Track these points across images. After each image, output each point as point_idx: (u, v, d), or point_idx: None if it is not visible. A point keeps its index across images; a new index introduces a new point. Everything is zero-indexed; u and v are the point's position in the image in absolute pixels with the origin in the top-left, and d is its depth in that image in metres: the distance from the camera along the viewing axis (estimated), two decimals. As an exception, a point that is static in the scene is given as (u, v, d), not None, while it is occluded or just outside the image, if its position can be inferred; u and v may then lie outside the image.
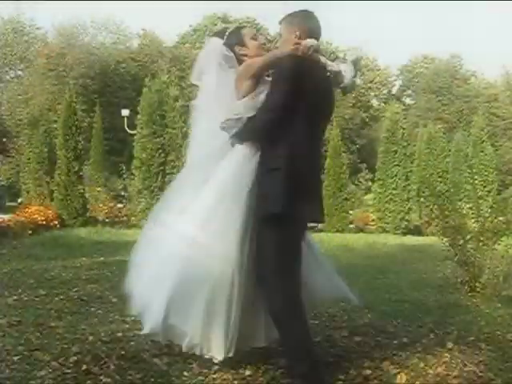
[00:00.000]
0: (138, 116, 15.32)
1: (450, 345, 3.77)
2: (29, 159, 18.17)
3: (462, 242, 5.97)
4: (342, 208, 16.92)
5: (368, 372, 3.22)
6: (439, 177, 18.63)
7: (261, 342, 3.22)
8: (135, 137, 15.50)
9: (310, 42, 2.98)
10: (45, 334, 3.90)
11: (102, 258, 8.08)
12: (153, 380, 3.07)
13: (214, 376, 3.12)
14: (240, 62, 3.22)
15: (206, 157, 3.20)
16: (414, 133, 27.46)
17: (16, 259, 7.81)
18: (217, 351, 3.00)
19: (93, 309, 4.77)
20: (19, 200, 20.61)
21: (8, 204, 22.92)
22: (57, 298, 5.13)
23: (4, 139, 29.58)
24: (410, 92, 51.06)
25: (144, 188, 14.55)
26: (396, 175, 16.74)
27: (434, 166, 18.81)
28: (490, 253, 5.88)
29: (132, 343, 3.72)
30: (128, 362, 3.33)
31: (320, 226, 16.84)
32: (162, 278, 2.97)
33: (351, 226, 17.30)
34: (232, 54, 3.22)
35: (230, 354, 3.00)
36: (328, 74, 3.11)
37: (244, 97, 3.06)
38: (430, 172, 18.73)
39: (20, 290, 5.43)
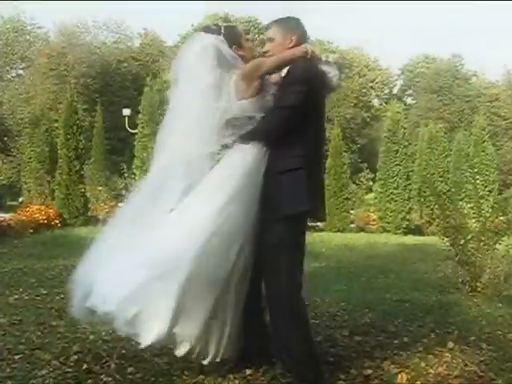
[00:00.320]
0: (139, 115, 15.34)
1: (450, 344, 3.76)
2: (30, 158, 18.19)
3: (462, 241, 5.97)
4: (343, 207, 16.92)
5: (369, 371, 3.22)
6: (440, 176, 18.62)
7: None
8: (136, 136, 15.52)
9: (310, 46, 3.03)
10: (46, 333, 3.90)
11: (102, 257, 8.07)
12: (153, 379, 3.07)
13: (215, 375, 3.12)
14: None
15: (195, 159, 3.07)
16: (415, 132, 27.46)
17: (17, 258, 7.81)
18: (212, 356, 2.98)
19: (93, 308, 4.76)
20: (20, 199, 20.64)
21: (9, 203, 22.96)
22: (58, 297, 5.13)
23: (5, 138, 29.61)
24: (410, 92, 51.05)
25: (145, 187, 14.54)
26: (397, 175, 16.74)
27: (435, 165, 18.80)
28: (491, 253, 5.88)
29: (133, 342, 3.70)
30: (129, 361, 3.33)
31: (321, 225, 16.87)
32: (165, 284, 2.78)
33: (352, 225, 17.30)
34: (236, 54, 3.16)
35: (219, 359, 3.00)
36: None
37: (253, 96, 3.04)
38: (431, 172, 18.72)
39: (21, 289, 5.43)
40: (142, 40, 40.46)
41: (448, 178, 18.97)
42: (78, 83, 29.79)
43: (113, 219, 3.24)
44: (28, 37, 38.47)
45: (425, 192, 18.12)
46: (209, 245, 2.82)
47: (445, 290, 6.00)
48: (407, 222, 16.73)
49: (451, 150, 20.12)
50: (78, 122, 14.89)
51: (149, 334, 2.76)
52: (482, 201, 6.33)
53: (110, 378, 3.05)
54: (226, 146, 3.06)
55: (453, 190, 17.37)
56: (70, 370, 3.15)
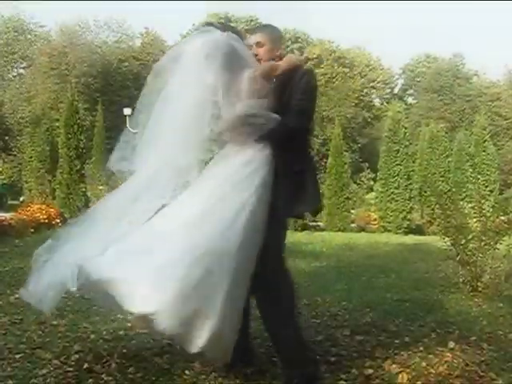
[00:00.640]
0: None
1: (451, 344, 3.76)
2: (31, 157, 18.22)
3: (463, 241, 5.96)
4: (344, 207, 16.93)
5: (370, 371, 3.22)
6: (441, 176, 18.64)
7: None
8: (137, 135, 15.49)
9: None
10: (46, 333, 3.91)
11: (103, 257, 8.07)
12: (154, 378, 3.07)
13: (215, 374, 3.12)
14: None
15: (184, 166, 3.03)
16: (416, 132, 27.45)
17: (18, 257, 7.79)
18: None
19: (94, 307, 4.75)
20: (21, 198, 20.67)
21: (10, 202, 22.98)
22: (58, 297, 5.13)
23: (6, 137, 29.63)
24: (411, 91, 51.04)
25: (146, 187, 14.54)
26: (398, 174, 16.74)
27: (436, 165, 18.81)
28: (492, 252, 5.88)
29: (134, 342, 3.72)
30: (130, 360, 3.33)
31: (322, 225, 16.89)
32: (215, 281, 2.70)
33: (353, 225, 17.32)
34: (253, 53, 3.14)
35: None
36: None
37: (265, 97, 3.04)
38: (431, 171, 18.74)
39: (22, 289, 5.42)
40: (143, 39, 40.48)
41: (449, 178, 18.97)
42: (79, 82, 29.82)
43: (87, 215, 3.16)
44: (29, 36, 38.51)
45: (425, 192, 18.14)
46: (244, 240, 2.80)
47: (446, 290, 5.99)
48: (408, 222, 16.73)
49: (452, 150, 20.12)
50: (78, 121, 14.90)
51: (203, 334, 2.65)
52: (482, 201, 6.29)
53: (110, 378, 3.05)
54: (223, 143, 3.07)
55: (454, 189, 17.34)
56: (70, 369, 3.15)
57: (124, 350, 3.50)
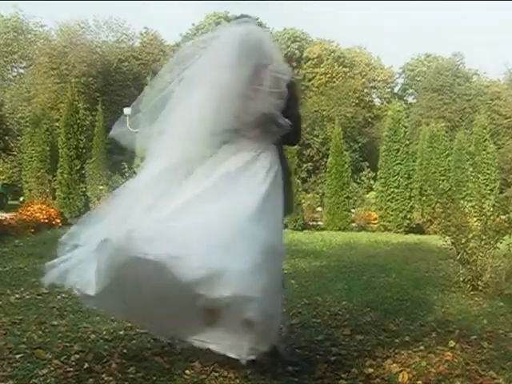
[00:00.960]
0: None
1: (452, 343, 3.76)
2: (31, 157, 18.23)
3: (464, 240, 5.96)
4: (344, 206, 16.92)
5: (370, 370, 3.22)
6: (441, 175, 18.62)
7: None
8: (137, 135, 15.49)
9: None
10: (47, 333, 3.90)
11: (104, 257, 8.07)
12: (155, 378, 3.07)
13: (216, 374, 3.12)
14: None
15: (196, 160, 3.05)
16: (416, 131, 27.44)
17: (18, 257, 7.81)
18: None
19: (94, 307, 4.76)
20: (21, 198, 20.66)
21: (10, 202, 22.98)
22: (59, 297, 5.12)
23: (6, 137, 29.63)
24: (411, 91, 51.03)
25: (146, 186, 14.54)
26: (398, 174, 16.72)
27: (436, 164, 18.79)
28: (493, 251, 5.87)
29: (134, 341, 3.72)
30: (130, 360, 3.33)
31: (322, 224, 16.89)
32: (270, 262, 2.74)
33: (353, 224, 17.31)
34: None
35: None
36: None
37: (282, 98, 3.06)
38: (432, 170, 18.72)
39: (22, 289, 5.42)
40: (143, 39, 40.48)
41: (449, 177, 18.95)
42: (79, 82, 29.80)
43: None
44: (29, 36, 38.50)
45: (426, 191, 18.12)
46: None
47: (446, 289, 5.99)
48: (408, 221, 16.71)
49: (452, 149, 20.10)
50: (78, 121, 14.90)
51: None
52: (483, 200, 6.28)
53: (111, 378, 3.04)
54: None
55: (454, 188, 17.32)
56: (71, 369, 3.15)
57: (124, 350, 3.50)
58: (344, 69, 43.92)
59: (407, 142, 17.08)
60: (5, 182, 25.46)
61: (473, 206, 6.44)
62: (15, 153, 25.39)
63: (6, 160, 26.79)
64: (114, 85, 34.35)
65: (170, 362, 3.30)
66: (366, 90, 44.43)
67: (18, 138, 26.34)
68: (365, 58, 47.10)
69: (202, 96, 2.97)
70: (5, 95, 33.76)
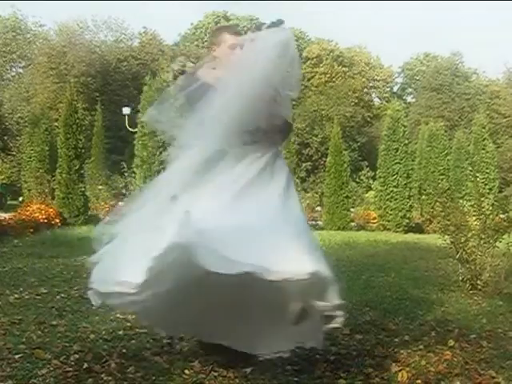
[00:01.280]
0: (139, 114, 15.31)
1: (451, 342, 3.76)
2: (30, 157, 18.21)
3: (463, 239, 5.96)
4: (344, 206, 16.91)
5: (369, 370, 3.22)
6: (440, 174, 18.61)
7: None
8: (136, 135, 15.50)
9: None
10: (46, 333, 3.90)
11: (103, 256, 8.07)
12: (154, 378, 3.07)
13: (215, 374, 3.12)
14: None
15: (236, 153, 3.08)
16: (415, 131, 27.45)
17: (17, 257, 7.80)
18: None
19: (94, 307, 4.74)
20: (20, 198, 20.64)
21: (9, 202, 22.96)
22: (58, 297, 5.13)
23: (5, 137, 29.61)
24: (410, 90, 51.03)
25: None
26: (397, 173, 16.71)
27: (436, 163, 18.78)
28: (492, 250, 5.88)
29: (133, 341, 3.72)
30: (129, 360, 3.33)
31: (321, 223, 16.89)
32: None
33: (352, 223, 17.30)
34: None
35: None
36: None
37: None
38: (431, 170, 18.71)
39: (21, 289, 5.42)
40: (142, 39, 40.46)
41: (448, 176, 18.95)
42: (78, 82, 29.74)
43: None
44: (28, 35, 38.49)
45: (425, 190, 18.13)
46: None
47: (445, 288, 5.99)
48: (407, 220, 16.71)
49: (451, 148, 20.09)
50: (77, 121, 14.86)
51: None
52: (482, 199, 6.30)
53: (110, 377, 3.04)
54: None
55: (453, 188, 17.34)
56: (70, 369, 3.15)
57: (123, 350, 3.50)
58: (344, 68, 43.93)
59: (406, 142, 17.08)
60: (4, 181, 25.43)
61: (472, 205, 6.45)
62: (14, 153, 25.36)
63: (5, 160, 26.77)
64: (112, 84, 34.33)
65: (170, 362, 3.30)
66: (365, 90, 44.42)
67: (17, 137, 26.32)
68: (364, 58, 47.11)
69: (240, 93, 3.02)
70: (4, 95, 33.73)
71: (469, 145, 20.47)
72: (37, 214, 12.50)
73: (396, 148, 16.82)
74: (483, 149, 19.87)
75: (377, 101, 47.81)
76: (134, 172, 15.35)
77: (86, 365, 3.19)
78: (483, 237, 5.89)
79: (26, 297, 5.10)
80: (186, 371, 3.15)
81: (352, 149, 35.12)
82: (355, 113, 39.31)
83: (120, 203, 16.26)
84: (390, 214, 16.66)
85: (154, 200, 3.00)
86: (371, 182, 22.38)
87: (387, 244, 11.67)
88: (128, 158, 18.71)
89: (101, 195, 17.46)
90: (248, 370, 3.15)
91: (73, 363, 3.24)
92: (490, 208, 6.15)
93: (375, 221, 17.36)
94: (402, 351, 3.61)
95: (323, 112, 37.33)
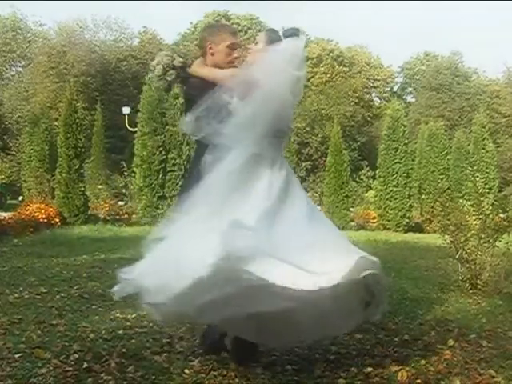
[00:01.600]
0: (139, 114, 15.31)
1: (451, 342, 3.76)
2: (30, 157, 18.21)
3: (463, 239, 5.96)
4: (343, 205, 16.90)
5: (369, 369, 3.22)
6: (440, 174, 18.61)
7: None
8: (136, 134, 15.50)
9: None
10: (46, 332, 3.90)
11: (103, 256, 8.09)
12: (154, 377, 3.07)
13: (215, 373, 3.12)
14: None
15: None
16: (415, 130, 27.44)
17: (17, 257, 7.80)
18: None
19: (94, 306, 4.77)
20: (20, 198, 20.65)
21: (9, 202, 22.96)
22: (58, 296, 5.13)
23: (5, 137, 29.59)
24: (410, 90, 51.01)
25: (145, 186, 14.54)
26: (397, 172, 16.71)
27: (435, 163, 18.77)
28: (491, 250, 5.87)
29: (133, 341, 3.72)
30: (129, 359, 3.33)
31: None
32: None
33: (352, 223, 17.29)
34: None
35: None
36: None
37: None
38: (431, 169, 18.71)
39: (21, 288, 5.42)
40: (142, 38, 40.42)
41: (448, 176, 18.94)
42: (78, 82, 29.70)
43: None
44: (28, 34, 38.47)
45: (425, 190, 18.12)
46: None
47: (445, 288, 5.98)
48: (407, 220, 16.71)
49: (451, 148, 20.09)
50: (77, 120, 14.85)
51: None
52: (482, 198, 6.29)
53: (110, 377, 3.04)
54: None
55: (453, 187, 17.35)
56: (70, 368, 3.15)
57: (123, 350, 3.49)
58: (344, 68, 43.92)
59: (406, 141, 17.07)
60: (4, 181, 25.43)
61: (472, 205, 6.45)
62: (14, 152, 25.35)
63: (5, 159, 26.74)
64: (112, 84, 34.30)
65: (169, 361, 3.30)
66: (365, 90, 44.39)
67: (17, 137, 26.30)
68: (365, 57, 47.09)
69: (271, 98, 3.16)
70: (3, 94, 33.72)
71: (469, 144, 20.47)
72: (37, 214, 12.50)
73: (396, 147, 16.81)
74: (483, 148, 19.88)
75: (377, 100, 47.79)
76: (133, 171, 15.35)
77: (85, 364, 3.19)
78: (483, 236, 5.89)
79: (26, 296, 5.10)
80: (186, 371, 3.16)
81: (352, 148, 35.10)
82: (355, 112, 39.29)
83: (120, 202, 16.29)
84: (390, 214, 16.66)
85: (200, 207, 3.04)
86: (371, 181, 22.38)
87: (387, 243, 11.67)
88: (128, 157, 18.72)
89: (101, 195, 17.45)
90: (248, 369, 3.15)
91: (72, 363, 3.24)
92: (490, 207, 6.14)
93: (375, 220, 17.34)
94: (401, 351, 3.61)
95: (323, 111, 37.31)
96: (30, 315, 4.36)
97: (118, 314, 4.45)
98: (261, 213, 2.96)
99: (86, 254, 8.13)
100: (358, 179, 23.19)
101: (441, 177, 18.43)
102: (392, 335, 3.98)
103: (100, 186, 18.61)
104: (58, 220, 13.23)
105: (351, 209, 17.82)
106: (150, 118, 14.70)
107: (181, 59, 3.46)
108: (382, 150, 17.27)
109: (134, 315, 4.41)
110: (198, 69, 3.43)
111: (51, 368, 3.15)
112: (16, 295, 5.12)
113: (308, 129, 36.36)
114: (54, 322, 4.16)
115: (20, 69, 39.26)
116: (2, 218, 11.53)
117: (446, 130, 20.75)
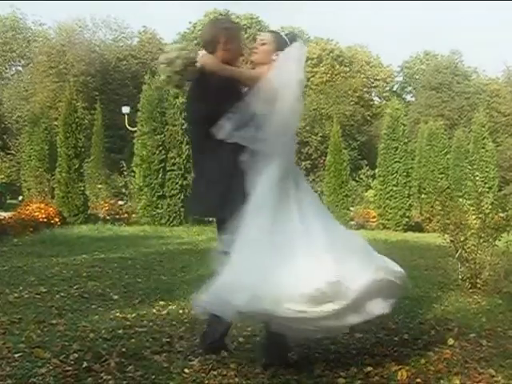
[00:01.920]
0: (139, 113, 15.30)
1: (451, 341, 3.76)
2: (29, 157, 18.22)
3: (462, 238, 5.95)
4: (343, 205, 16.92)
5: (369, 368, 3.22)
6: (440, 173, 18.62)
7: None
8: (135, 134, 15.50)
9: None
10: (45, 332, 3.90)
11: (102, 255, 8.09)
12: (153, 377, 3.06)
13: (215, 373, 3.12)
14: None
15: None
16: (415, 129, 27.43)
17: (17, 257, 7.80)
18: None
19: (93, 306, 4.77)
20: (20, 197, 20.65)
21: (9, 202, 22.96)
22: (58, 296, 5.13)
23: (4, 136, 29.58)
24: (410, 89, 50.98)
25: (144, 185, 14.54)
26: (397, 172, 16.72)
27: (435, 162, 18.79)
28: (491, 249, 5.87)
29: (133, 340, 3.72)
30: (129, 359, 3.33)
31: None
32: None
33: (352, 222, 17.29)
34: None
35: None
36: None
37: None
38: (430, 169, 18.71)
39: (21, 288, 5.42)
40: (141, 38, 40.40)
41: (448, 175, 18.96)
42: (78, 81, 29.71)
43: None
44: (28, 34, 38.47)
45: (424, 189, 18.13)
46: None
47: (445, 287, 5.99)
48: (407, 219, 16.72)
49: (451, 147, 20.11)
50: (77, 120, 14.85)
51: None
52: (481, 197, 6.28)
53: (109, 377, 3.04)
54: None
55: (453, 186, 17.35)
56: (69, 368, 3.14)
57: (123, 349, 3.49)
58: (344, 68, 43.91)
59: (406, 140, 17.08)
60: (3, 181, 25.43)
61: (471, 204, 6.44)
62: (14, 152, 25.35)
63: (5, 159, 26.75)
64: (112, 83, 34.29)
65: (169, 361, 3.30)
66: (365, 89, 44.38)
67: (17, 137, 26.31)
68: (364, 56, 47.07)
69: (294, 109, 3.30)
70: (3, 94, 33.71)
71: (468, 143, 20.49)
72: (36, 213, 12.50)
73: (395, 147, 16.82)
74: (483, 147, 19.89)
75: (376, 100, 47.77)
76: (133, 171, 15.35)
77: (85, 364, 3.19)
78: (483, 235, 5.88)
79: (26, 296, 5.10)
80: (186, 370, 3.15)
81: (352, 148, 35.10)
82: (355, 111, 39.29)
83: (120, 202, 16.29)
84: (390, 213, 16.67)
85: (253, 225, 3.11)
86: (371, 180, 22.37)
87: (387, 243, 11.66)
88: (127, 156, 18.73)
89: (100, 194, 17.46)
90: (248, 369, 3.15)
91: (72, 362, 3.24)
92: (490, 207, 6.13)
93: (375, 220, 17.35)
94: (401, 350, 3.61)
95: (323, 111, 37.30)
96: (29, 315, 4.36)
97: (117, 314, 4.45)
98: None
99: (85, 254, 8.13)
100: (357, 178, 23.20)
101: (440, 176, 18.45)
102: (392, 334, 3.98)
103: (100, 186, 18.62)
104: (57, 220, 13.22)
105: (351, 208, 17.83)
106: (150, 118, 14.70)
107: (193, 55, 3.33)
108: (381, 149, 17.27)
109: (133, 315, 4.41)
110: (221, 66, 3.29)
111: (51, 367, 3.14)
112: (16, 295, 5.12)
113: (308, 128, 36.34)
114: (54, 322, 4.15)
115: (20, 68, 39.30)
116: (2, 217, 11.53)
117: (445, 130, 20.76)
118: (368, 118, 41.77)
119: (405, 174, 16.78)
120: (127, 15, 68.39)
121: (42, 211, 12.82)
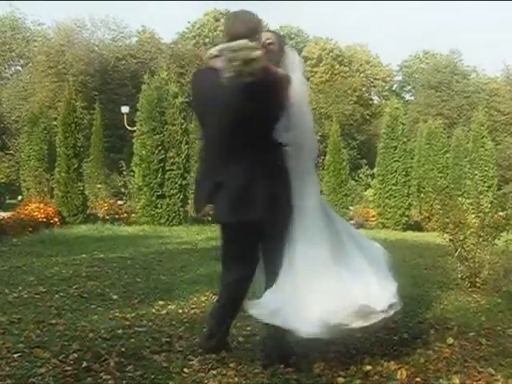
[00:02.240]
0: (138, 113, 15.29)
1: (450, 340, 3.76)
2: (29, 156, 18.22)
3: (462, 237, 5.95)
4: (343, 204, 16.94)
5: (368, 368, 3.22)
6: (439, 172, 18.63)
7: None
8: (135, 134, 15.48)
9: None
10: (45, 332, 3.89)
11: (102, 255, 8.08)
12: (153, 377, 3.06)
13: (214, 372, 3.12)
14: None
15: None
16: (414, 128, 27.45)
17: (16, 257, 7.80)
18: None
19: (93, 306, 4.76)
20: (19, 197, 20.63)
21: (8, 201, 22.96)
22: (57, 295, 5.13)
23: (4, 136, 29.57)
24: (409, 88, 51.00)
25: (144, 185, 14.53)
26: (396, 171, 16.73)
27: (434, 161, 18.80)
28: (490, 248, 5.87)
29: (132, 340, 3.71)
30: (128, 358, 3.32)
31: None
32: None
33: (351, 221, 17.28)
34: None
35: None
36: None
37: None
38: (430, 168, 18.72)
39: (20, 288, 5.42)
40: (140, 37, 40.38)
41: (447, 174, 18.96)
42: (77, 81, 29.68)
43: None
44: (27, 34, 38.45)
45: (424, 188, 18.14)
46: None
47: (444, 286, 5.99)
48: (406, 218, 16.73)
49: (450, 146, 20.11)
50: (76, 119, 14.84)
51: None
52: (481, 196, 6.29)
53: (109, 376, 3.04)
54: None
55: (452, 185, 17.36)
56: (69, 368, 3.14)
57: (123, 349, 3.49)
58: (344, 68, 43.92)
59: (405, 140, 17.09)
60: (2, 181, 25.43)
61: (471, 203, 6.44)
62: (13, 152, 25.35)
63: (4, 159, 26.75)
64: (111, 83, 34.25)
65: (169, 361, 3.30)
66: (364, 88, 44.40)
67: (16, 136, 26.30)
68: (364, 56, 47.08)
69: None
70: (2, 94, 33.69)
71: (468, 142, 20.49)
72: (36, 213, 12.49)
73: (395, 146, 16.83)
74: (482, 146, 19.91)
75: (376, 99, 47.80)
76: (132, 171, 15.34)
77: (84, 364, 3.19)
78: (482, 234, 5.88)
79: (25, 296, 5.10)
80: (185, 370, 3.15)
81: (351, 147, 35.14)
82: (354, 111, 39.31)
83: (119, 202, 16.28)
84: (389, 212, 16.68)
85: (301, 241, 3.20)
86: (370, 180, 22.41)
87: (386, 242, 11.62)
88: (127, 156, 18.71)
89: (100, 194, 17.46)
90: (247, 368, 3.15)
91: (72, 362, 3.23)
92: (489, 206, 6.14)
93: (374, 219, 17.37)
94: (401, 349, 3.61)
95: (322, 110, 37.33)
96: (29, 315, 4.35)
97: (117, 314, 4.45)
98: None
99: (85, 254, 8.12)
100: (356, 178, 23.23)
101: (440, 175, 18.46)
102: (391, 334, 3.98)
103: (99, 186, 18.62)
104: (57, 219, 13.22)
105: (350, 207, 17.85)
106: (149, 117, 14.69)
107: (258, 52, 2.95)
108: (380, 148, 17.28)
109: (133, 314, 4.41)
110: (271, 66, 3.11)
111: (50, 367, 3.14)
112: (15, 295, 5.11)
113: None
114: (53, 322, 4.15)
115: (19, 68, 39.28)
116: (1, 217, 11.52)
117: (444, 129, 20.77)
118: (367, 117, 41.79)
119: (404, 173, 16.78)
120: (126, 15, 68.35)
121: (41, 211, 12.81)
